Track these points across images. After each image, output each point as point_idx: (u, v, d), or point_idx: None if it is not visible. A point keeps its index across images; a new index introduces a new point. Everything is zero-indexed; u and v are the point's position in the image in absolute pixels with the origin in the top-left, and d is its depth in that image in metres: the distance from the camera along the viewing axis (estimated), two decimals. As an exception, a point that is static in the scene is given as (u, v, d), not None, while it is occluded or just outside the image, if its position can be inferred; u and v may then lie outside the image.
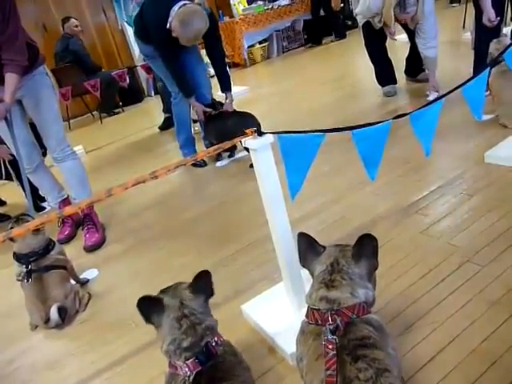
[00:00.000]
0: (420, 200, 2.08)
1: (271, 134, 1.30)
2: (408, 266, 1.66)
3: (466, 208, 1.93)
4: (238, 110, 3.20)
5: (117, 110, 6.41)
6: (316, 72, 5.71)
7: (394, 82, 3.79)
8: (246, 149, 1.50)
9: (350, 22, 8.12)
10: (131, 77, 5.87)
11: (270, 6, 7.13)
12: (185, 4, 2.73)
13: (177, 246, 2.28)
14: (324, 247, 1.15)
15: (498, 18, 2.78)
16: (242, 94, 5.11)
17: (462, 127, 2.65)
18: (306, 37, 7.62)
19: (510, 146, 2.29)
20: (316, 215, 2.20)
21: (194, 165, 3.20)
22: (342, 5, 7.84)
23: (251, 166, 1.34)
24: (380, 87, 3.82)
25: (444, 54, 4.66)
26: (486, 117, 2.70)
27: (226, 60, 6.77)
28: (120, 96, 6.38)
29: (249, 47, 6.94)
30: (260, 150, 1.29)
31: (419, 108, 1.59)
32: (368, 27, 3.51)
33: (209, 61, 3.26)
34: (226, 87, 3.17)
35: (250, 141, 1.29)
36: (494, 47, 2.64)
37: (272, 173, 1.33)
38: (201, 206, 2.64)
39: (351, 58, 6.16)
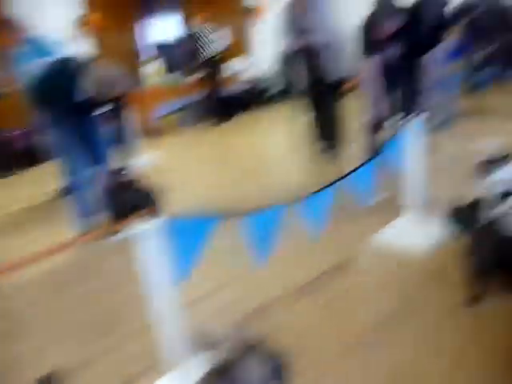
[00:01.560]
0: (315, 281, 2.12)
1: (158, 219, 1.26)
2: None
3: (358, 289, 2.01)
4: (140, 181, 3.12)
5: (9, 173, 5.93)
6: (228, 146, 5.89)
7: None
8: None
9: (262, 100, 8.65)
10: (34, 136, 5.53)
11: (184, 80, 7.38)
12: None
13: (55, 331, 2.04)
14: None
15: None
16: (151, 164, 5.04)
17: (354, 208, 2.79)
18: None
19: (398, 227, 2.48)
20: (211, 297, 2.13)
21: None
22: (253, 85, 8.37)
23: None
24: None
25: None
26: (378, 196, 2.93)
27: (138, 128, 6.80)
28: (20, 157, 5.96)
29: (160, 117, 7.02)
30: (147, 234, 1.24)
31: (312, 193, 1.68)
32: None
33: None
34: (126, 155, 3.13)
35: (136, 225, 1.23)
36: (380, 135, 2.94)
37: (160, 258, 1.27)
38: (87, 285, 2.44)
39: (262, 134, 6.48)
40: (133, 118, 5.09)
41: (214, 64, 7.08)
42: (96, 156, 3.04)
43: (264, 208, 1.51)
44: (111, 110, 3.05)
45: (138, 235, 1.26)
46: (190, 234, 1.33)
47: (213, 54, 7.01)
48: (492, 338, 1.58)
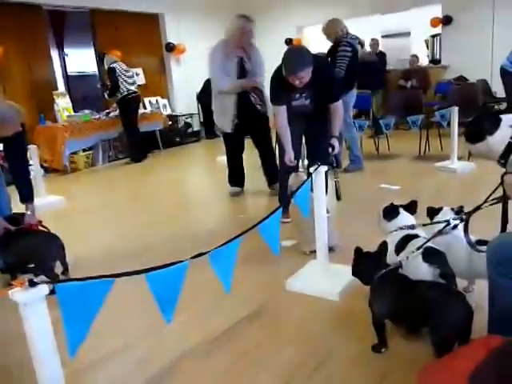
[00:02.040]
0: (226, 333, 2.06)
1: (46, 284, 1.14)
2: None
3: (268, 341, 1.98)
4: (43, 226, 2.88)
5: None
6: (141, 185, 5.71)
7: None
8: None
9: (178, 139, 8.63)
10: None
11: (98, 116, 7.13)
12: None
13: None
14: None
15: (295, 160, 3.21)
16: (57, 204, 4.70)
17: (264, 255, 2.76)
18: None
19: (308, 273, 2.52)
20: (116, 357, 1.97)
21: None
22: (170, 122, 8.34)
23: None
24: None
25: (257, 177, 5.18)
26: (286, 243, 2.98)
27: (45, 165, 6.39)
28: None
29: (71, 154, 6.66)
30: (31, 304, 1.11)
31: (218, 247, 1.64)
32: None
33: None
34: (27, 197, 2.84)
35: (18, 294, 1.10)
36: (292, 180, 3.00)
37: (46, 331, 1.14)
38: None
39: (177, 173, 6.40)
40: (36, 156, 4.78)
41: (129, 100, 6.91)
42: None
43: (170, 262, 1.44)
44: (5, 149, 2.82)
45: (22, 302, 1.12)
46: (85, 297, 1.22)
47: (128, 91, 6.84)
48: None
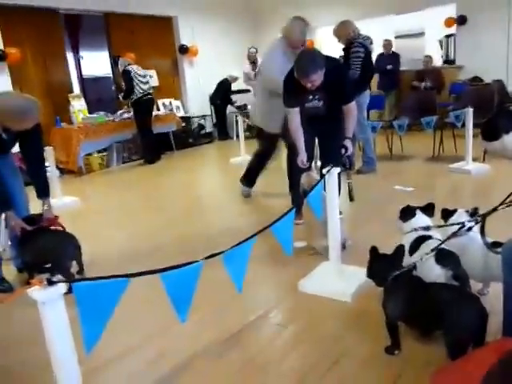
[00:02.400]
0: (239, 333, 2.07)
1: (64, 284, 1.16)
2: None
3: (281, 341, 1.99)
4: (69, 228, 2.93)
5: None
6: (155, 186, 5.76)
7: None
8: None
9: (191, 140, 8.68)
10: None
11: (112, 118, 7.21)
12: None
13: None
14: None
15: (308, 163, 3.20)
16: (72, 205, 4.78)
17: (277, 256, 2.76)
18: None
19: (320, 274, 2.52)
20: (131, 354, 2.00)
21: (-1, 290, 2.75)
22: (183, 124, 8.40)
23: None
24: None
25: (270, 178, 5.19)
26: (299, 244, 2.98)
27: (60, 166, 6.48)
28: None
29: (86, 155, 6.75)
30: (49, 302, 1.13)
31: (232, 247, 1.65)
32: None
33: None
34: (43, 193, 2.88)
35: (36, 293, 1.13)
36: (303, 179, 3.00)
37: (64, 329, 1.17)
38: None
39: (190, 175, 6.44)
40: (52, 157, 4.85)
41: (143, 102, 6.98)
42: (14, 199, 2.81)
43: (184, 262, 1.46)
44: (22, 146, 2.85)
45: (40, 300, 1.15)
46: (101, 296, 1.25)
47: (143, 93, 6.91)
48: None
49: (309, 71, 2.80)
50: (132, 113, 7.17)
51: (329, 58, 2.99)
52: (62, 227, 2.89)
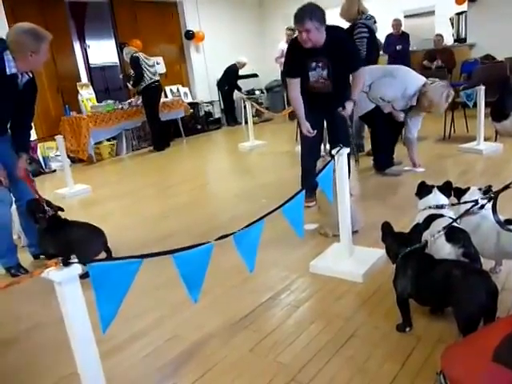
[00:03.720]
0: (251, 313, 2.10)
1: (79, 265, 1.19)
2: (236, 391, 1.60)
3: (292, 321, 2.01)
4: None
5: None
6: (165, 173, 5.79)
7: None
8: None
9: (199, 126, 8.68)
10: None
11: (120, 106, 7.22)
12: None
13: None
14: None
15: (315, 131, 3.16)
16: (84, 193, 4.84)
17: (288, 238, 2.73)
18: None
19: (331, 255, 2.53)
20: (146, 335, 2.04)
21: (13, 275, 2.80)
22: (191, 110, 8.38)
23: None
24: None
25: (279, 163, 5.18)
26: (310, 226, 2.98)
27: (71, 155, 6.53)
28: None
29: (96, 144, 6.79)
30: (65, 282, 1.16)
31: (242, 228, 1.67)
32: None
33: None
34: (24, 147, 2.82)
35: (53, 273, 1.15)
36: (320, 166, 2.98)
37: (80, 308, 1.19)
38: (10, 330, 2.25)
39: (199, 161, 6.46)
40: (63, 146, 4.89)
41: (152, 89, 6.98)
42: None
43: (195, 244, 1.48)
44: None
45: (56, 282, 1.18)
46: (115, 277, 1.27)
47: (151, 79, 6.90)
48: (424, 364, 1.62)
49: (304, 17, 2.79)
50: (141, 100, 7.17)
51: (331, 27, 2.96)
52: (37, 193, 2.81)
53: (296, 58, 3.03)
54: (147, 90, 6.93)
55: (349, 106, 3.05)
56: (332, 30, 2.96)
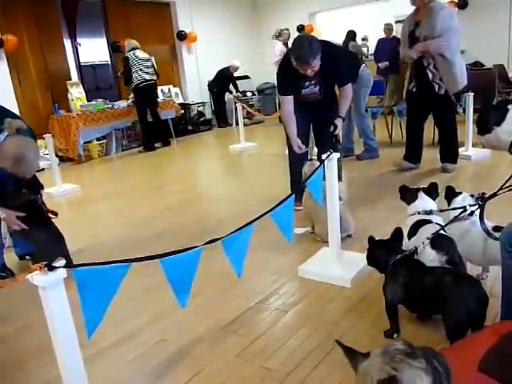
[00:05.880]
0: (239, 318, 2.09)
1: (64, 269, 1.17)
2: (222, 397, 1.59)
3: (280, 326, 2.00)
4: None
5: None
6: (154, 173, 5.75)
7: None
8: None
9: (190, 127, 8.65)
10: None
11: (111, 106, 7.17)
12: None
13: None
14: None
15: (305, 147, 3.19)
16: (72, 192, 4.79)
17: (277, 242, 2.68)
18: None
19: (320, 260, 2.53)
20: (133, 338, 2.02)
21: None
22: (182, 111, 8.35)
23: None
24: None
25: (270, 166, 5.18)
26: (299, 230, 2.98)
27: (60, 154, 6.46)
28: None
29: (85, 143, 6.72)
30: (50, 287, 1.14)
31: (231, 233, 1.66)
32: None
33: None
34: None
35: (37, 277, 1.13)
36: (306, 168, 2.98)
37: (65, 313, 1.17)
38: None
39: (189, 162, 6.43)
40: (51, 145, 4.84)
41: (141, 89, 6.93)
42: None
43: (183, 248, 1.46)
44: None
45: (41, 285, 1.16)
46: (101, 281, 1.25)
47: (141, 79, 6.86)
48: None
49: (309, 58, 2.77)
50: (132, 100, 7.16)
51: (322, 42, 2.96)
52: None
53: (290, 79, 3.03)
54: (136, 89, 6.92)
55: (339, 123, 3.06)
56: (327, 50, 2.94)
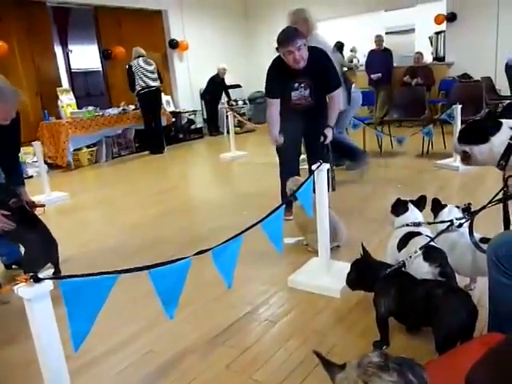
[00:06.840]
0: (229, 328, 2.07)
1: (51, 280, 1.15)
2: (210, 410, 1.57)
3: (269, 337, 1.99)
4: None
5: None
6: (145, 181, 5.72)
7: None
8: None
9: (181, 135, 8.64)
10: None
11: (101, 113, 7.14)
12: None
13: None
14: None
15: (282, 139, 3.13)
16: (61, 200, 4.74)
17: (267, 252, 2.63)
18: (137, 145, 7.74)
19: (309, 270, 2.53)
20: (121, 349, 2.00)
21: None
22: (173, 119, 8.34)
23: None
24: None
25: (260, 175, 5.18)
26: (289, 240, 2.98)
27: (49, 161, 6.41)
28: None
29: (75, 150, 6.68)
30: (36, 300, 1.12)
31: (221, 244, 1.65)
32: None
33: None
34: (19, 183, 2.77)
35: (23, 289, 1.11)
36: (290, 184, 2.97)
37: (51, 326, 1.15)
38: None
39: (180, 170, 6.42)
40: (40, 152, 4.80)
41: (143, 95, 7.15)
42: None
43: (172, 258, 1.46)
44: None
45: (27, 298, 1.14)
46: (88, 293, 1.24)
47: (144, 86, 7.07)
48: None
49: (294, 36, 2.81)
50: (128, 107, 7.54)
51: (312, 47, 3.00)
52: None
53: (279, 79, 3.05)
54: (139, 95, 7.22)
55: (329, 133, 3.08)
56: (313, 49, 2.99)
